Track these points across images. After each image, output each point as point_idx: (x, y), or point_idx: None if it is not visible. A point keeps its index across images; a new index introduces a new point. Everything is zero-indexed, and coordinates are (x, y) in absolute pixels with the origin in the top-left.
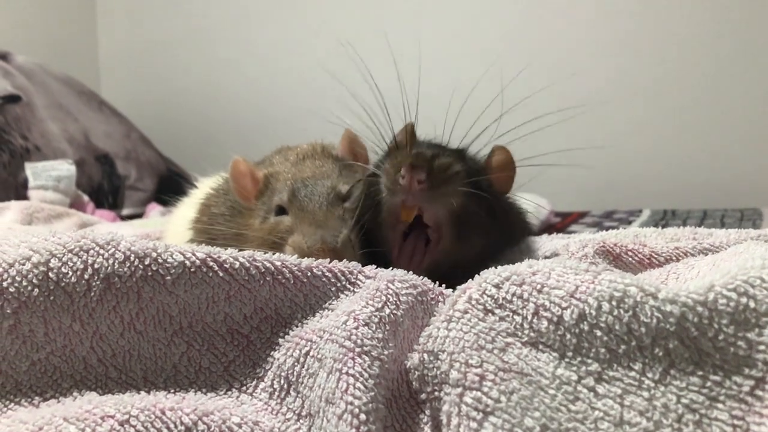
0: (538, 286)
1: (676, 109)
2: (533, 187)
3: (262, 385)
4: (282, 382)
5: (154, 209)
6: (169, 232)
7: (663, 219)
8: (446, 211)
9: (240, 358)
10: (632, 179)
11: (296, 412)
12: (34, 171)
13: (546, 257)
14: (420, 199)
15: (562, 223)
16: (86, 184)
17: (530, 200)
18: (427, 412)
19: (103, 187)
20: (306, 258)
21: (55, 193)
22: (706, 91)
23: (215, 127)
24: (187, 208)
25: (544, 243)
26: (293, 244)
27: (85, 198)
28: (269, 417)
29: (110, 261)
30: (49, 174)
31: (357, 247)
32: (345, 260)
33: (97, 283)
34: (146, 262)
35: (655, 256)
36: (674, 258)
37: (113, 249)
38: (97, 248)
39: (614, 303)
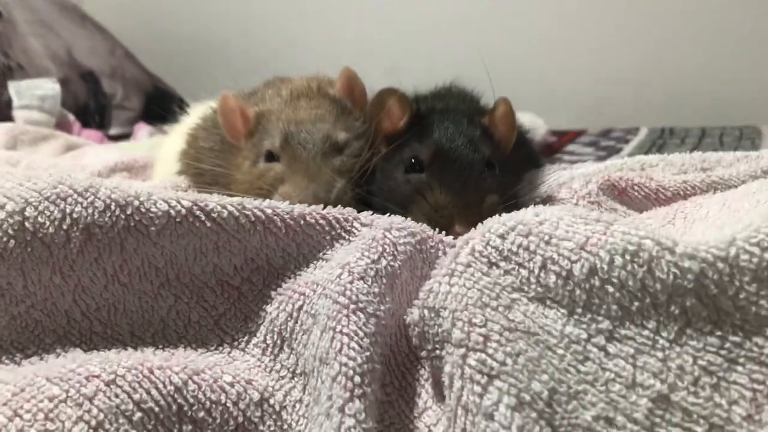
0: (546, 237)
1: (673, 25)
2: (530, 104)
3: (254, 340)
4: (275, 337)
5: (142, 129)
6: (158, 163)
7: (661, 137)
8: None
9: (231, 311)
10: (629, 96)
11: (290, 369)
12: (17, 90)
13: (544, 201)
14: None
15: (559, 143)
16: (72, 104)
17: (527, 120)
18: (427, 368)
19: (89, 107)
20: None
21: (41, 114)
22: (704, 6)
23: (205, 43)
24: (176, 138)
25: (548, 176)
26: (283, 194)
27: (71, 118)
28: (262, 375)
29: (89, 210)
30: (34, 93)
31: (351, 205)
32: (339, 207)
33: (77, 233)
34: (128, 212)
35: (662, 190)
36: (681, 193)
37: (92, 197)
38: (75, 195)
39: (628, 257)
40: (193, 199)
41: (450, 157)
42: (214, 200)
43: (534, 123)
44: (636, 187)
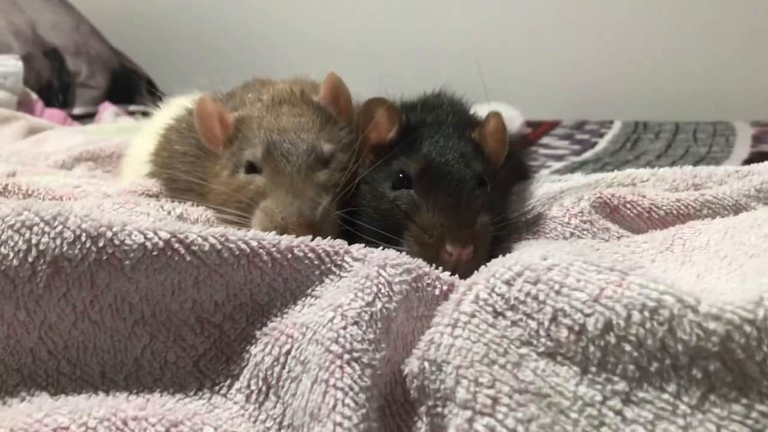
0: (556, 286)
1: (648, 20)
2: (504, 95)
3: (237, 384)
4: (260, 383)
5: (107, 110)
6: (128, 163)
7: (635, 132)
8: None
9: (211, 351)
10: (603, 88)
11: (277, 420)
12: None
13: (535, 219)
14: (464, 271)
15: (534, 134)
16: (34, 81)
17: (502, 111)
18: (425, 420)
19: (53, 85)
20: (277, 230)
21: (2, 92)
22: (679, 1)
23: (176, 20)
24: (147, 137)
25: (537, 188)
26: (265, 210)
27: (34, 96)
28: (246, 425)
29: (57, 241)
30: None
31: (337, 222)
32: (327, 238)
33: (43, 267)
34: (100, 244)
35: (655, 209)
36: (675, 212)
37: (60, 226)
38: (41, 224)
39: (647, 313)
40: (171, 230)
41: (440, 173)
42: (194, 231)
43: (509, 114)
44: (628, 205)
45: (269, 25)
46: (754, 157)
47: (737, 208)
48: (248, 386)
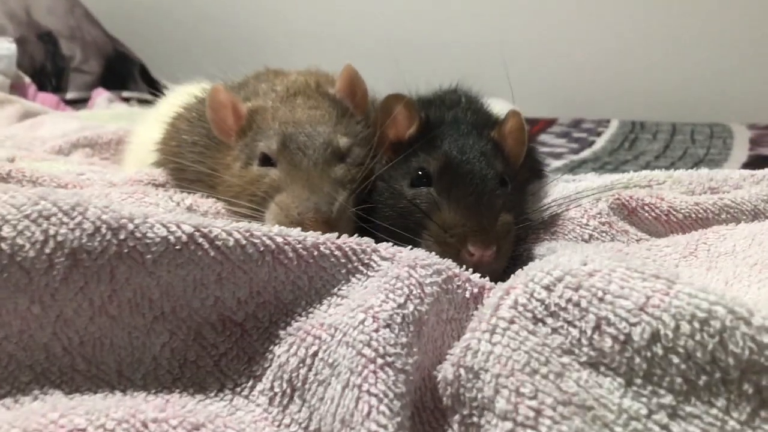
0: (599, 293)
1: (645, 20)
2: (501, 91)
3: (259, 386)
4: (284, 385)
5: (101, 95)
6: (132, 151)
7: (632, 131)
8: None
9: (233, 351)
10: (598, 87)
11: (302, 425)
12: None
13: (552, 219)
14: (485, 272)
15: (531, 131)
16: (28, 65)
17: (501, 107)
18: (458, 428)
19: (46, 68)
20: (292, 225)
21: None
22: (677, 3)
23: (171, 6)
24: (152, 125)
25: (552, 188)
26: (281, 205)
27: (27, 80)
28: (270, 429)
29: (77, 233)
30: None
31: (352, 220)
32: (346, 234)
33: (61, 259)
34: (121, 236)
35: (674, 212)
36: (693, 215)
37: (80, 217)
38: (60, 215)
39: (696, 324)
40: (195, 223)
41: (461, 171)
42: (218, 225)
43: (505, 109)
44: (647, 208)
45: (264, 12)
46: (753, 161)
47: (756, 213)
48: (271, 388)
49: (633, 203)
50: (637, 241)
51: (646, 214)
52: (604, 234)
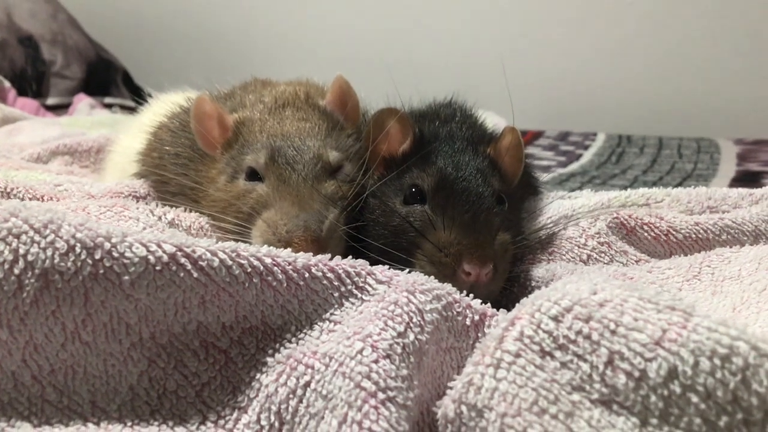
0: (611, 325)
1: (632, 33)
2: (490, 103)
3: (245, 418)
4: (272, 417)
5: (82, 101)
6: (113, 161)
7: (619, 145)
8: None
9: (216, 380)
10: (585, 100)
11: None
12: None
13: (549, 238)
14: (481, 293)
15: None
16: (8, 69)
17: (489, 119)
18: None
19: (27, 73)
20: (280, 243)
21: None
22: (663, 17)
23: (156, 14)
24: (134, 134)
25: (548, 205)
26: (268, 222)
27: (7, 84)
28: None
29: (48, 252)
30: None
31: (343, 238)
32: (339, 256)
33: (31, 280)
34: (96, 256)
35: (673, 232)
36: (693, 236)
37: (52, 235)
38: (31, 233)
39: (717, 361)
40: (177, 243)
41: (456, 189)
42: (202, 245)
43: (495, 122)
44: (646, 227)
45: (252, 21)
46: (741, 176)
47: (757, 235)
48: (258, 421)
49: (632, 222)
50: (637, 262)
51: (646, 234)
52: (602, 254)
